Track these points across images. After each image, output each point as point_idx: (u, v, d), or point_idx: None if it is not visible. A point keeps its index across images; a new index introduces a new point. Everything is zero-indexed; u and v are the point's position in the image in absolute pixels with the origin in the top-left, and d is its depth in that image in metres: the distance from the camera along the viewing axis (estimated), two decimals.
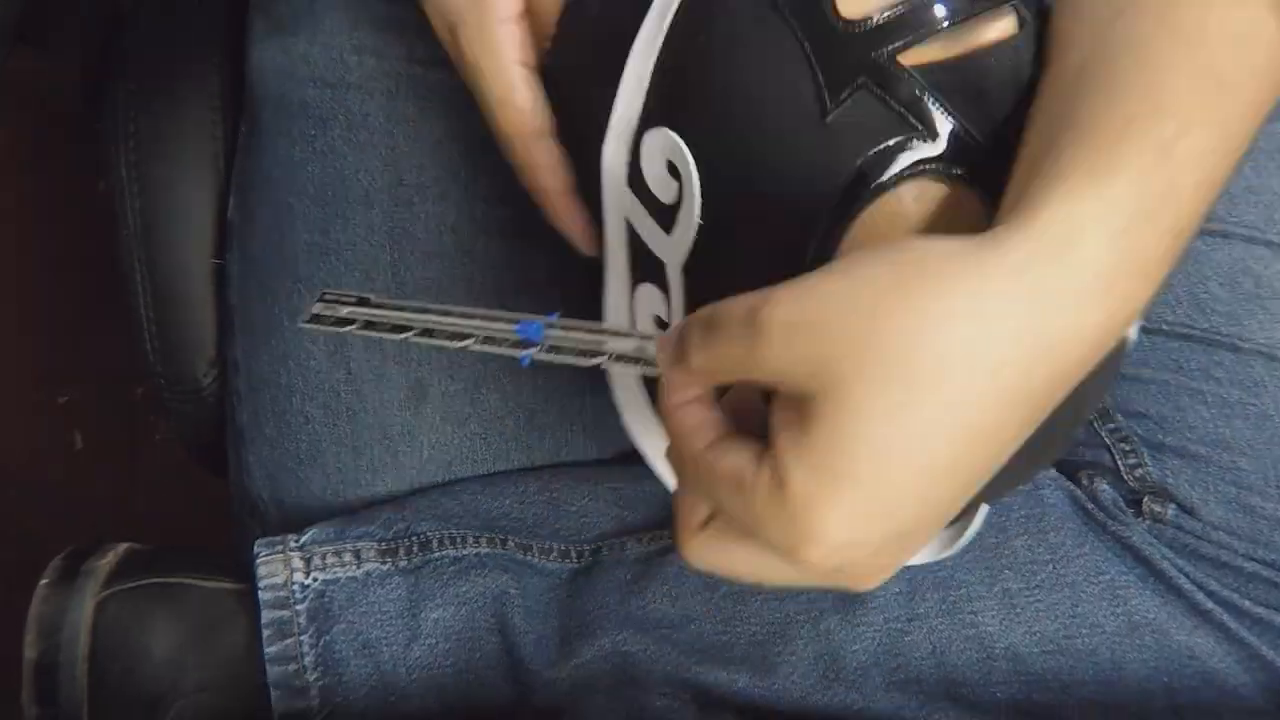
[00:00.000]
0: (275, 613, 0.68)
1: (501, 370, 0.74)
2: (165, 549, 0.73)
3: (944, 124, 0.53)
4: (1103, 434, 0.75)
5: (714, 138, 0.56)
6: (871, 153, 0.53)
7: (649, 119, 0.58)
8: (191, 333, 0.80)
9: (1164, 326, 0.74)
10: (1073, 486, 0.74)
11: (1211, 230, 0.73)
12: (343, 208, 0.73)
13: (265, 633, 0.67)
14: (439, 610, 0.68)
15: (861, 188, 0.53)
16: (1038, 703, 0.69)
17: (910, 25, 0.53)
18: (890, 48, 0.53)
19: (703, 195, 0.56)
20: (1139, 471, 0.73)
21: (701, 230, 0.56)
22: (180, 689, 0.67)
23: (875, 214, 0.53)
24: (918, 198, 0.53)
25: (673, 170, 0.57)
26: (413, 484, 0.73)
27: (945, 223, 0.53)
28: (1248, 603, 0.70)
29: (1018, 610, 0.70)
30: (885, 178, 0.53)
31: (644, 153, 0.58)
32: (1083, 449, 0.75)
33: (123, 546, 0.72)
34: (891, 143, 0.53)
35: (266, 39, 0.76)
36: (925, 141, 0.53)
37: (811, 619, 0.70)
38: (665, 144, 0.57)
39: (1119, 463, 0.74)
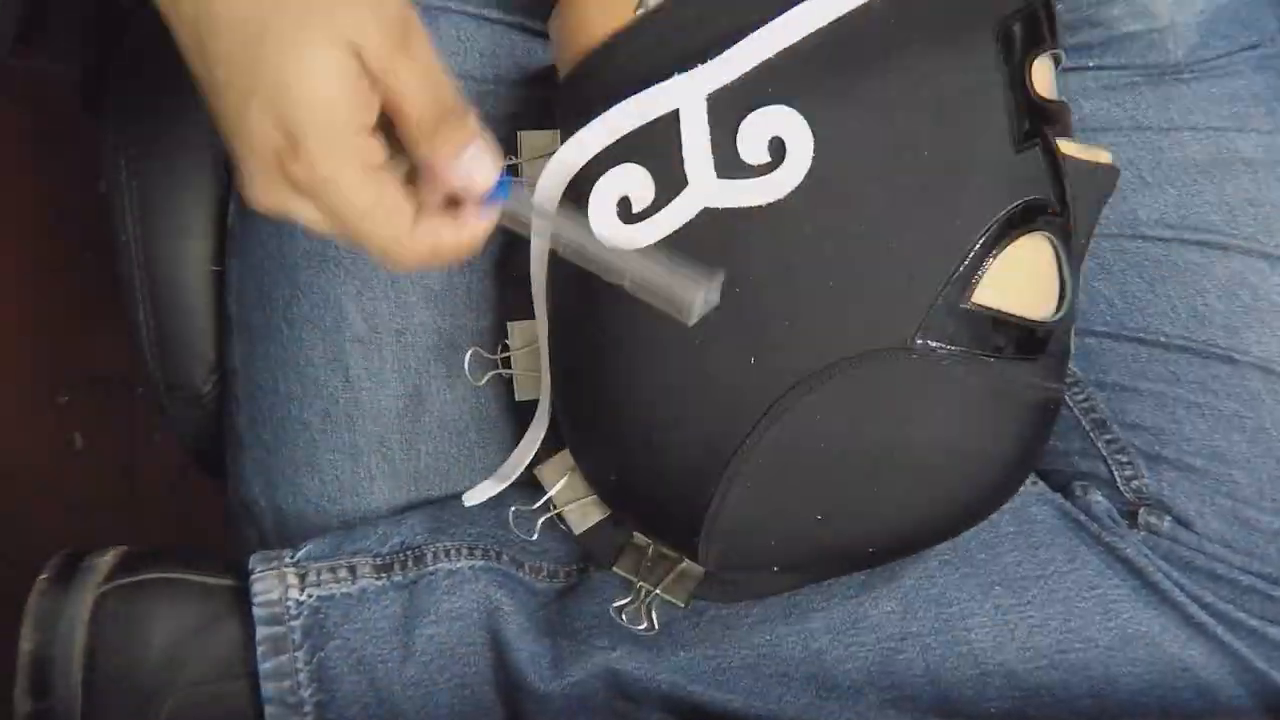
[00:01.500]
0: (270, 629, 0.68)
1: (500, 380, 0.74)
2: (165, 548, 0.73)
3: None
4: (1099, 445, 0.75)
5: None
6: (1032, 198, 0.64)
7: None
8: (191, 339, 0.80)
9: (1161, 338, 0.74)
10: (1062, 500, 0.74)
11: (1210, 242, 0.73)
12: None
13: (260, 648, 0.67)
14: (433, 627, 0.68)
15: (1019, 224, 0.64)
16: (1032, 717, 0.69)
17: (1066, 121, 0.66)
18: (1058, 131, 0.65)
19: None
20: (1135, 483, 0.73)
21: None
22: (178, 682, 0.67)
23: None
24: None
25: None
26: (410, 492, 0.73)
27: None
28: (1242, 614, 0.70)
29: (1010, 626, 0.70)
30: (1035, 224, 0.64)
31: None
32: (1078, 460, 0.75)
33: (123, 548, 0.72)
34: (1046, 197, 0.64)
35: None
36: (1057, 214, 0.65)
37: (803, 640, 0.70)
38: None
39: (1115, 474, 0.74)
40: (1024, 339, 0.64)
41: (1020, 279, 0.64)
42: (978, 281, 0.63)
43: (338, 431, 0.73)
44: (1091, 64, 0.75)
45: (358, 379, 0.73)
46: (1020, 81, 0.64)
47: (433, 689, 0.68)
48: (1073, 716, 0.70)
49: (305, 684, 0.67)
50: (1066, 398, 0.75)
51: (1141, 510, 0.73)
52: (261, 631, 0.68)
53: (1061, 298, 0.66)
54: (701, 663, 0.69)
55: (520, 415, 0.74)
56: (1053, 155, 0.64)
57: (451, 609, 0.69)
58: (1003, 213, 0.63)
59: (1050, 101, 0.65)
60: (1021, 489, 0.74)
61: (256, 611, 0.68)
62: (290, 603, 0.68)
